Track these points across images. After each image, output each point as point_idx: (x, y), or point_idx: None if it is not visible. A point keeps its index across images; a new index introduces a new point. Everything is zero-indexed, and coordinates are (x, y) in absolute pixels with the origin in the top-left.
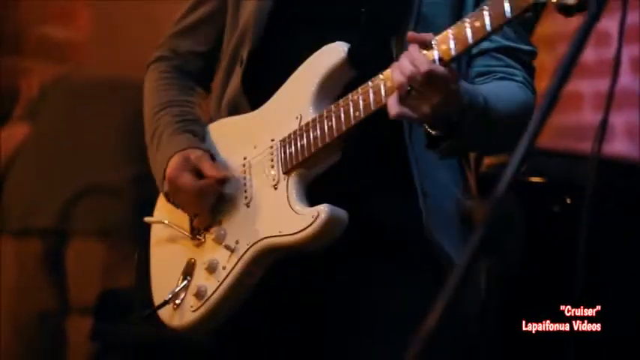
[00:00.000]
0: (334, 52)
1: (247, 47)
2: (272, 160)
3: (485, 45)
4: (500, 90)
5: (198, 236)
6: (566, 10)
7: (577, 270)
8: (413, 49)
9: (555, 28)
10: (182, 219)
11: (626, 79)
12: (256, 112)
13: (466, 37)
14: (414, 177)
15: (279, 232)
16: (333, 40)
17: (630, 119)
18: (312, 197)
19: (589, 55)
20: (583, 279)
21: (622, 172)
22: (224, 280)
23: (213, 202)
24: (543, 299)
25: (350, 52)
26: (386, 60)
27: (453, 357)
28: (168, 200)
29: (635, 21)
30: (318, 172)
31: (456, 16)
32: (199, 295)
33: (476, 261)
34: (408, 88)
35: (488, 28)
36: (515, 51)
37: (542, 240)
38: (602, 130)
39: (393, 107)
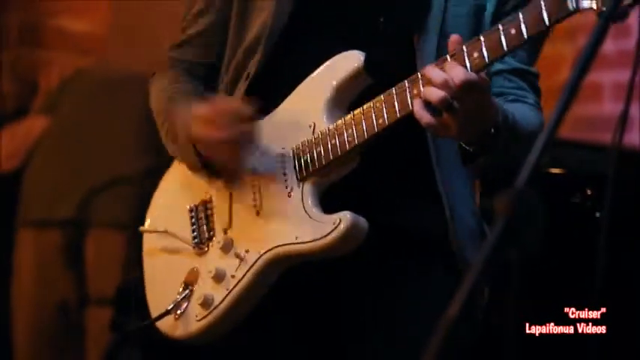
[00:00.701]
0: (350, 60)
1: (256, 62)
2: (284, 169)
3: (499, 66)
4: (517, 111)
5: (200, 245)
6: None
7: (598, 263)
8: (450, 64)
9: (575, 19)
10: (182, 227)
11: None
12: (261, 120)
13: (500, 45)
14: (437, 184)
15: (296, 238)
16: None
17: None
18: (326, 204)
19: (609, 46)
20: (603, 274)
21: None
22: (233, 288)
23: (251, 149)
24: (548, 300)
25: (366, 60)
26: (402, 69)
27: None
28: (200, 154)
29: None
30: (334, 179)
31: (473, 29)
32: (206, 304)
33: (497, 253)
34: (451, 100)
35: (525, 35)
36: (526, 73)
37: (562, 232)
38: (623, 120)
39: (424, 116)
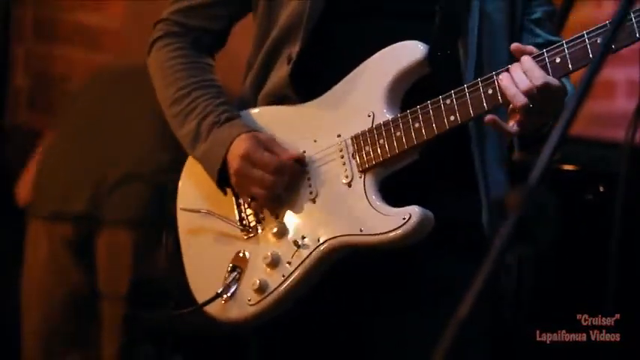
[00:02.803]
0: (412, 51)
1: (298, 45)
2: (342, 157)
3: (538, 40)
4: None
5: (248, 228)
6: None
7: (611, 265)
8: (527, 61)
9: (588, 15)
10: (227, 209)
11: None
12: (311, 104)
13: (586, 53)
14: (476, 173)
15: (360, 230)
16: (402, 36)
17: None
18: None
19: None
20: (616, 277)
21: None
22: (290, 275)
23: (286, 183)
24: (559, 306)
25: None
26: (452, 59)
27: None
28: (228, 180)
29: None
30: (394, 171)
31: (510, 11)
32: (260, 289)
33: (508, 249)
34: (531, 105)
35: (613, 47)
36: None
37: (574, 229)
38: (636, 117)
39: (513, 127)
